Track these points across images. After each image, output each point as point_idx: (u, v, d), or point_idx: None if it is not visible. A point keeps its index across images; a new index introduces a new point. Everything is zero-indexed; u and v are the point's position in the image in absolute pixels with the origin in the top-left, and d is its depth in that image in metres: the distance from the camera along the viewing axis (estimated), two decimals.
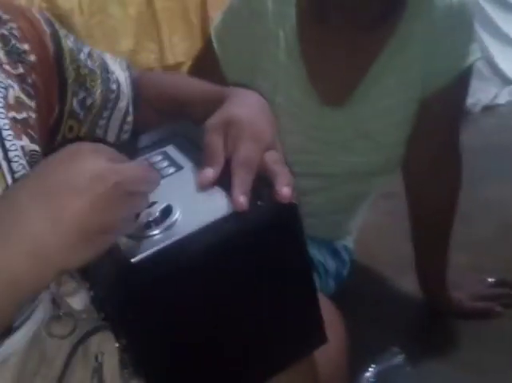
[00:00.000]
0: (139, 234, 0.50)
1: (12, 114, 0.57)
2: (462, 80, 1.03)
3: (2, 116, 0.56)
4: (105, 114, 0.75)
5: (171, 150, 0.62)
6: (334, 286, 1.22)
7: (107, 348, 0.56)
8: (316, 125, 1.04)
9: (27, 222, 0.41)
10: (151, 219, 0.51)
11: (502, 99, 2.37)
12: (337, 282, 1.23)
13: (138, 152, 0.54)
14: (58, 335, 0.54)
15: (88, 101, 0.72)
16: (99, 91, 0.73)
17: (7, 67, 0.61)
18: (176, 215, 0.51)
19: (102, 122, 0.75)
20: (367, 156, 1.06)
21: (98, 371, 0.56)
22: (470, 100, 2.31)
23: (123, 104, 0.76)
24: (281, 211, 0.51)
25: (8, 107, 0.57)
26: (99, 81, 0.73)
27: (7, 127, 0.55)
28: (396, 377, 0.96)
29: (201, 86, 0.71)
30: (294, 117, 1.04)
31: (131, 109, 0.77)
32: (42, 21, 0.68)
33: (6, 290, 0.40)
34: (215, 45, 1.08)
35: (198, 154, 0.59)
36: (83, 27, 1.93)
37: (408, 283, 1.27)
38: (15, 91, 0.60)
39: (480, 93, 2.34)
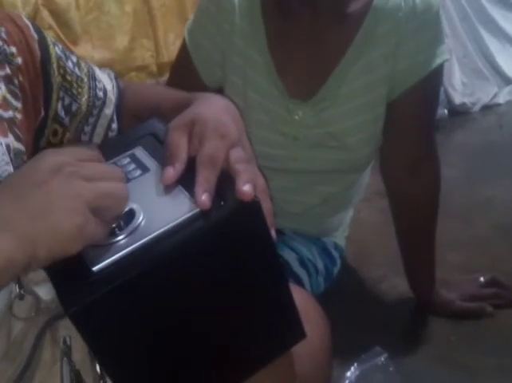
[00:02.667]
0: (102, 242, 0.49)
1: None
2: (430, 82, 1.02)
3: None
4: (91, 120, 0.77)
5: (139, 152, 0.61)
6: (324, 284, 1.22)
7: (75, 332, 0.56)
8: (285, 119, 1.05)
9: None
10: (114, 225, 0.50)
11: (502, 98, 2.36)
12: (327, 280, 1.23)
13: (107, 155, 0.54)
14: (22, 316, 0.54)
15: (74, 107, 0.74)
16: (85, 97, 0.75)
17: None
18: (140, 218, 0.50)
19: (87, 128, 0.76)
20: (334, 154, 1.06)
21: (67, 353, 0.56)
22: (469, 99, 2.31)
23: (109, 111, 0.78)
24: (243, 209, 0.50)
25: None
26: (85, 88, 0.75)
27: None
28: (379, 377, 0.96)
29: (177, 95, 0.71)
30: (265, 110, 1.05)
31: (115, 117, 0.79)
32: (31, 28, 0.70)
33: None
34: (188, 43, 1.09)
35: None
36: (79, 23, 1.94)
37: (400, 282, 1.26)
38: (2, 91, 0.62)
39: (480, 92, 2.33)
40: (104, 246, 0.49)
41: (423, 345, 1.14)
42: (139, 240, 0.48)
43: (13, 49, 0.66)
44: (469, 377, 1.05)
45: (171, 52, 2.13)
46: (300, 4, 0.98)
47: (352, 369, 0.97)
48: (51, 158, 0.47)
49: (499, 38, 2.39)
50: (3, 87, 0.62)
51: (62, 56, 0.73)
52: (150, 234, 0.49)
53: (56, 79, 0.71)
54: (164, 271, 0.48)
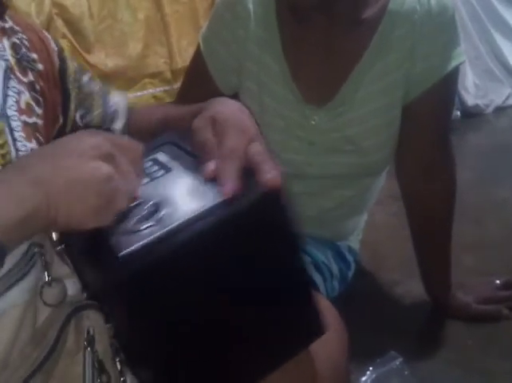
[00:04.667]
0: (128, 229, 0.51)
1: (23, 117, 0.62)
2: (446, 84, 1.02)
3: (15, 118, 0.60)
4: None
5: (160, 156, 0.63)
6: (339, 288, 1.22)
7: (98, 324, 0.58)
8: (300, 124, 1.05)
9: (31, 169, 0.48)
10: (139, 217, 0.52)
11: None
12: (342, 284, 1.23)
13: None
14: (51, 303, 0.56)
15: (87, 119, 0.77)
16: (97, 111, 0.78)
17: (18, 74, 0.65)
18: (164, 210, 0.52)
19: None
20: (350, 158, 1.06)
21: (90, 343, 0.57)
22: (482, 101, 2.30)
23: (119, 125, 0.80)
24: (265, 197, 0.51)
25: (20, 111, 0.61)
26: (99, 102, 0.78)
27: (19, 129, 0.60)
28: (394, 381, 0.95)
29: (187, 106, 0.73)
30: (281, 116, 1.05)
31: (126, 131, 0.81)
32: (51, 41, 0.73)
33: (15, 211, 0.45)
34: (203, 50, 1.10)
35: (187, 157, 0.60)
36: (92, 32, 1.96)
37: (415, 285, 1.25)
38: (26, 97, 0.64)
39: (493, 94, 2.32)
40: (130, 233, 0.51)
41: (438, 348, 1.13)
42: (163, 229, 0.50)
43: (35, 56, 0.69)
44: (485, 380, 1.04)
45: (184, 58, 2.14)
46: (315, 10, 0.98)
47: (368, 373, 0.96)
48: (90, 136, 0.51)
49: (511, 39, 2.38)
50: (27, 93, 0.65)
51: (78, 70, 0.76)
52: (173, 223, 0.50)
53: (73, 90, 0.74)
54: (188, 257, 0.49)
